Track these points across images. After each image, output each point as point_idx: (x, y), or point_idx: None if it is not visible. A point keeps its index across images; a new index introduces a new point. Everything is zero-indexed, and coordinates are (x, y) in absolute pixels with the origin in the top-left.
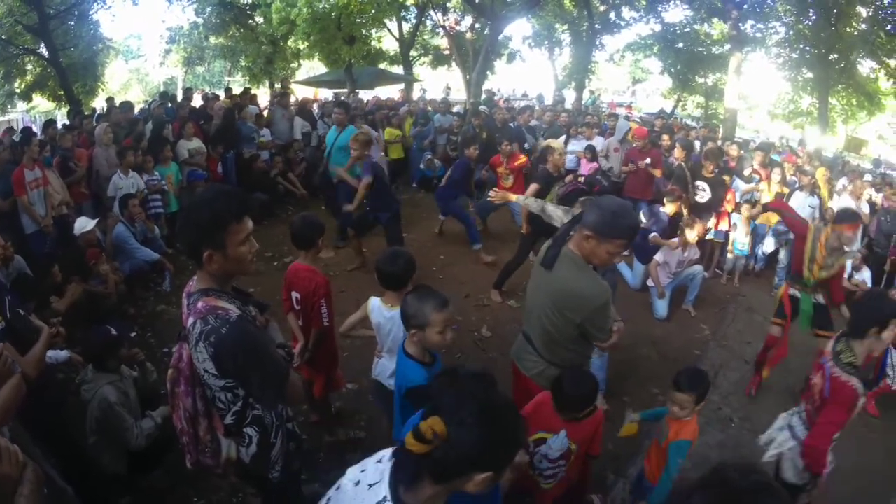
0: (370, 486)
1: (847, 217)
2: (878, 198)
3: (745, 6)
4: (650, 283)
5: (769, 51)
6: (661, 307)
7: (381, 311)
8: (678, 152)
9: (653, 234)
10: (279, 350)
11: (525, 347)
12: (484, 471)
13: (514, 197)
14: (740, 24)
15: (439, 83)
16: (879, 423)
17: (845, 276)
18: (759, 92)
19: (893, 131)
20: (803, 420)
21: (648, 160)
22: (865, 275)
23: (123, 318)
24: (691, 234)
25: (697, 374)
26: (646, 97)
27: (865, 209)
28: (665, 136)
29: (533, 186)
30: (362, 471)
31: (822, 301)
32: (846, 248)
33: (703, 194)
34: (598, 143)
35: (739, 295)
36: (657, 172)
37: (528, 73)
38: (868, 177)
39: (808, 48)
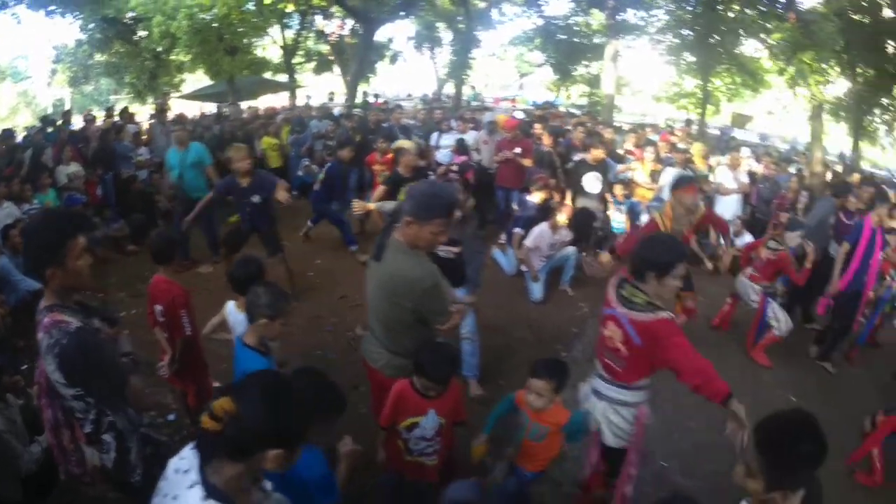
0: (185, 472)
1: (682, 182)
2: (760, 168)
3: None
4: (525, 267)
5: (652, 38)
6: (536, 290)
7: (235, 314)
8: (546, 139)
9: (517, 230)
10: (124, 358)
11: (370, 340)
12: (274, 447)
13: (371, 205)
14: (618, 14)
15: (324, 89)
16: (772, 376)
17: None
18: (644, 77)
19: (782, 107)
20: (604, 378)
21: (518, 149)
22: (747, 239)
23: (14, 351)
24: (561, 217)
25: (556, 362)
26: (534, 90)
27: (744, 179)
28: (537, 126)
29: (380, 189)
30: (181, 458)
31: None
32: (692, 210)
33: (596, 184)
34: (472, 137)
35: (619, 272)
36: (527, 161)
37: (413, 73)
38: (746, 151)
39: (688, 33)
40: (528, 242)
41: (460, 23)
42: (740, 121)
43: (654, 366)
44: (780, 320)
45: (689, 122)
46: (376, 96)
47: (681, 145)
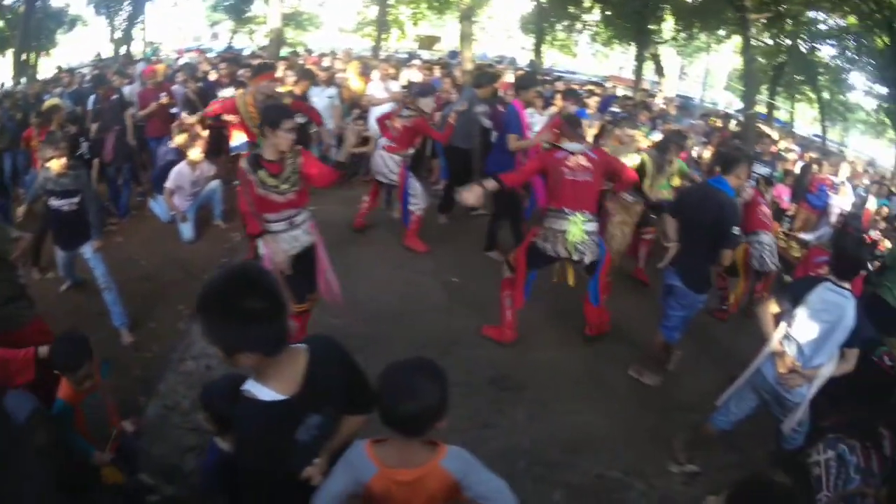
0: None
1: (260, 69)
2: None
3: None
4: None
5: None
6: (186, 230)
7: None
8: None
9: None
10: None
11: None
12: None
13: None
14: None
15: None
16: (433, 262)
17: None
18: (330, 10)
19: (481, 28)
20: None
21: (164, 95)
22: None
23: None
24: (195, 153)
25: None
26: (227, 38)
27: (395, 88)
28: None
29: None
30: None
31: None
32: (273, 95)
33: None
34: (128, 91)
35: None
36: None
37: (97, 38)
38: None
39: None
40: (168, 184)
41: None
42: (427, 42)
43: None
44: (417, 195)
45: (375, 49)
46: (59, 68)
47: (325, 64)
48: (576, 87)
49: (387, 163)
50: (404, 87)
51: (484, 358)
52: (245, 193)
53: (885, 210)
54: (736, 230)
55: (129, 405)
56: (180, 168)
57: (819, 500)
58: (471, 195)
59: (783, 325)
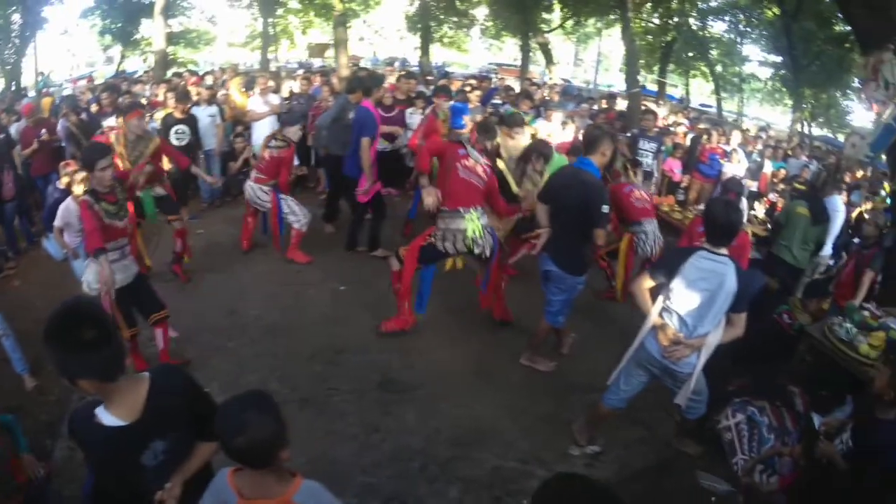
0: None
1: (129, 108)
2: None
3: None
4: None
5: None
6: (79, 267)
7: None
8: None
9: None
10: None
11: None
12: None
13: None
14: None
15: None
16: (321, 271)
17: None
18: (218, 26)
19: (374, 31)
20: None
21: (44, 131)
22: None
23: None
24: (79, 189)
25: None
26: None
27: (275, 101)
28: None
29: None
30: None
31: (163, 193)
32: (142, 135)
33: (184, 136)
34: (15, 129)
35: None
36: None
37: None
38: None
39: None
40: (56, 222)
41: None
42: (318, 50)
43: None
44: (296, 213)
45: (263, 62)
46: None
47: (207, 83)
48: (459, 82)
49: (256, 193)
50: (286, 98)
51: (371, 363)
52: (94, 219)
53: (783, 172)
54: (605, 208)
55: (39, 450)
56: (66, 204)
57: (735, 463)
58: (429, 197)
59: (661, 297)
